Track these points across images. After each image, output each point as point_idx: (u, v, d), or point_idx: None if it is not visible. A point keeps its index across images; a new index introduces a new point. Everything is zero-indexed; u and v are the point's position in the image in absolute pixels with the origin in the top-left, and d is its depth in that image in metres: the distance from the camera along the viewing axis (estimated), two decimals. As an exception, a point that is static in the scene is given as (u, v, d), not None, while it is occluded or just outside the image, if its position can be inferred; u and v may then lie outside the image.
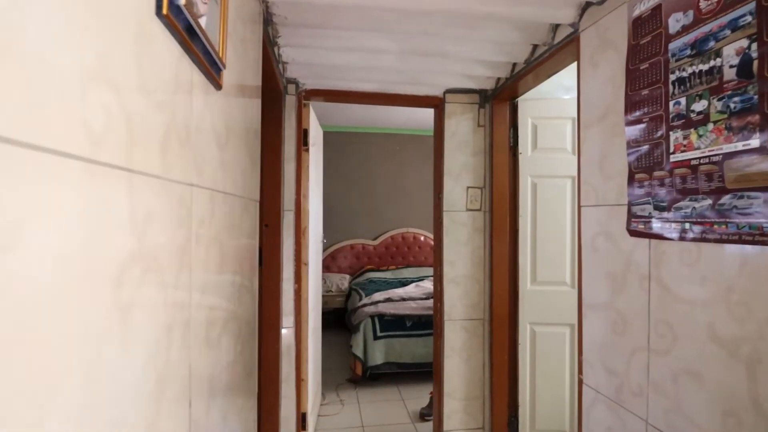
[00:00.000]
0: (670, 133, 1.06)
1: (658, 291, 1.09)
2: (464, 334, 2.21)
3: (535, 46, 1.71)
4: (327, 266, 5.15)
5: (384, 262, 5.29)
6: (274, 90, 2.00)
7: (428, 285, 4.43)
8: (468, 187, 2.23)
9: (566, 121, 2.18)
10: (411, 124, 5.08)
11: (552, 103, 2.19)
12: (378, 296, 3.80)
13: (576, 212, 2.21)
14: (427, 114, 4.57)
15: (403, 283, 4.73)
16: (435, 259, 2.29)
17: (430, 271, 5.08)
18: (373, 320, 3.30)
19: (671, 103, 1.06)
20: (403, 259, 5.33)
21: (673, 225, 1.04)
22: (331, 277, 4.81)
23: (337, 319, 4.96)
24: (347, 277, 4.95)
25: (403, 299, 3.71)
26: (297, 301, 2.09)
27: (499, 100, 2.19)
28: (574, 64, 2.16)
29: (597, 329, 1.32)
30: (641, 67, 1.15)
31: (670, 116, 1.06)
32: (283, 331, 2.06)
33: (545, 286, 2.16)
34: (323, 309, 4.94)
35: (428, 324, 3.32)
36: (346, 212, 5.23)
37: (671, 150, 1.06)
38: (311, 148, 2.42)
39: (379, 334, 3.26)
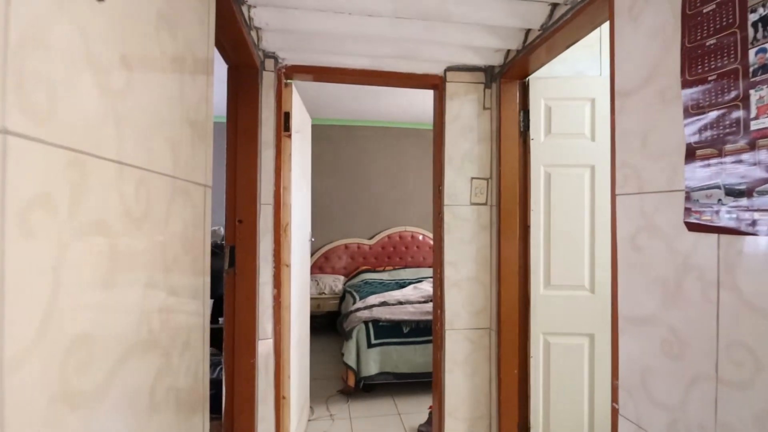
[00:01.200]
0: (751, 92, 0.79)
1: (731, 303, 0.82)
2: (468, 345, 1.94)
3: (554, 7, 1.44)
4: (320, 267, 4.88)
5: (380, 263, 5.02)
6: (247, 64, 1.73)
7: (427, 287, 4.16)
8: (472, 178, 1.96)
9: (584, 103, 1.92)
10: (408, 117, 4.81)
11: (568, 82, 1.92)
12: (373, 299, 3.53)
13: (595, 206, 1.95)
14: (425, 106, 4.28)
15: (401, 284, 4.46)
16: (435, 260, 2.02)
17: (429, 272, 4.82)
18: (367, 326, 3.03)
19: (752, 52, 0.79)
20: (401, 260, 5.07)
21: (756, 215, 0.77)
22: (324, 279, 4.54)
23: (331, 323, 4.69)
24: (341, 278, 4.68)
25: (400, 303, 3.44)
26: (277, 309, 1.82)
27: (508, 79, 1.92)
28: (595, 35, 1.91)
29: (639, 349, 1.05)
30: (705, 10, 0.88)
31: (751, 69, 0.79)
32: (260, 343, 1.79)
33: (560, 290, 1.89)
34: (315, 312, 4.67)
35: (427, 330, 3.05)
36: (340, 210, 4.96)
37: (752, 115, 0.79)
38: (294, 135, 2.15)
39: (373, 341, 2.98)
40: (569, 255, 1.88)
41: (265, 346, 1.80)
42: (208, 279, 1.00)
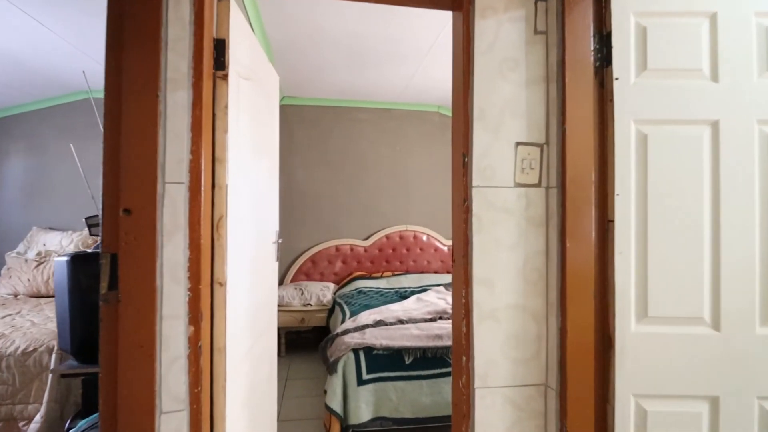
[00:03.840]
0: None
1: None
2: (511, 412, 1.21)
3: None
4: (306, 273, 4.14)
5: (377, 268, 4.28)
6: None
7: (433, 298, 3.42)
8: (518, 144, 1.22)
9: (700, 21, 1.18)
10: (409, 96, 4.07)
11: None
12: (366, 317, 2.79)
13: (720, 188, 1.19)
14: (431, 82, 3.50)
15: (401, 294, 3.72)
16: (455, 275, 1.28)
17: (434, 278, 4.08)
18: (357, 356, 2.29)
19: None
20: (401, 264, 4.33)
21: None
22: (311, 287, 3.80)
23: (317, 340, 3.96)
24: (331, 286, 3.94)
25: (401, 321, 2.70)
26: (193, 359, 1.08)
27: (576, -17, 1.19)
28: None
29: None
30: None
31: None
32: (164, 420, 1.05)
33: (663, 325, 1.16)
34: (299, 328, 3.92)
35: (437, 360, 2.32)
36: (330, 205, 4.22)
37: None
38: (241, 81, 1.42)
39: (365, 376, 2.25)
40: (678, 269, 1.15)
41: (173, 425, 1.06)
42: None
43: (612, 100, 1.18)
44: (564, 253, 1.17)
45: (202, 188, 1.10)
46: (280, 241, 1.96)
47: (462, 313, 1.22)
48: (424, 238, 4.38)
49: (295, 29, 2.72)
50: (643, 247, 1.15)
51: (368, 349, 2.31)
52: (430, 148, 4.41)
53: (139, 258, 1.03)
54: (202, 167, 1.10)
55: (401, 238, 4.34)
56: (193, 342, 1.08)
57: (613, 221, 1.17)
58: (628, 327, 1.15)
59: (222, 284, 1.22)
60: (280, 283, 4.09)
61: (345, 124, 4.26)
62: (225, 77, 1.24)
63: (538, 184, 1.23)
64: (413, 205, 4.38)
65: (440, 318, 2.81)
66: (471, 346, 1.20)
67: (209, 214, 1.18)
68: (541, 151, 1.23)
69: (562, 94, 1.19)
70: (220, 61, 1.23)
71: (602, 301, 1.20)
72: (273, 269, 1.92)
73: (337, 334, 2.53)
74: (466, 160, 1.21)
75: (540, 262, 1.23)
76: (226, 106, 1.24)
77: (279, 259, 2.03)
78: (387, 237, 4.32)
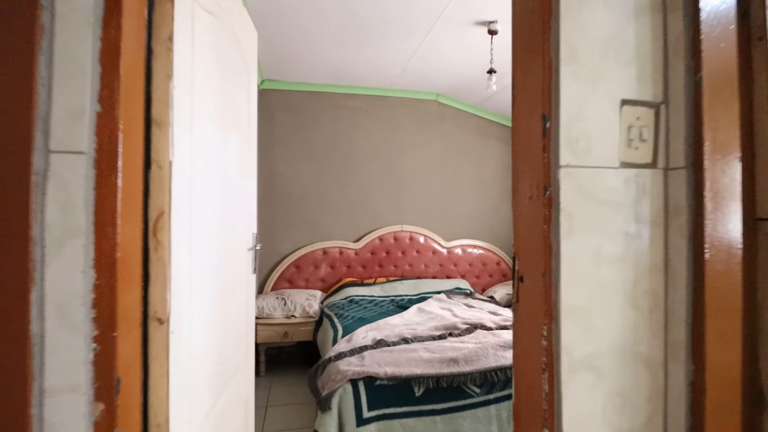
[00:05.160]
0: None
1: None
2: None
3: None
4: (289, 280, 3.66)
5: (370, 273, 3.84)
6: None
7: (437, 309, 3.01)
8: (624, 102, 0.80)
9: None
10: (406, 81, 3.65)
11: None
12: (362, 335, 2.35)
13: None
14: (430, 66, 3.15)
15: (399, 304, 3.29)
16: (524, 302, 0.85)
17: (433, 284, 3.67)
18: (356, 388, 1.85)
19: None
20: (396, 269, 3.90)
21: None
22: (294, 297, 3.33)
23: (304, 356, 3.52)
24: (318, 294, 3.48)
25: (405, 340, 2.27)
26: (104, 460, 0.62)
27: None
28: None
29: None
30: None
31: None
32: None
33: None
34: (282, 343, 3.46)
35: (453, 390, 1.89)
36: (317, 204, 3.76)
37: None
38: (201, 13, 0.96)
39: (366, 414, 1.80)
40: None
41: None
42: None
43: (764, 38, 0.78)
44: (701, 269, 0.76)
45: (120, 163, 0.64)
46: (258, 248, 1.50)
47: (541, 362, 0.79)
48: (422, 239, 3.96)
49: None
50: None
51: (369, 380, 1.87)
52: (428, 140, 4.00)
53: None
54: (120, 128, 0.64)
55: (396, 239, 3.91)
56: (104, 430, 0.62)
57: (766, 220, 0.77)
58: (797, 381, 0.75)
59: (162, 321, 0.77)
60: (260, 291, 3.60)
61: (334, 112, 3.80)
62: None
63: (653, 164, 0.82)
64: (409, 203, 3.96)
65: (450, 335, 2.39)
66: (557, 414, 0.77)
67: (139, 208, 0.72)
68: (656, 114, 0.82)
69: (694, 28, 0.78)
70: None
71: (750, 341, 0.79)
72: (248, 284, 1.46)
73: (330, 359, 2.08)
74: (548, 125, 0.79)
75: (657, 283, 0.81)
76: (171, 38, 0.78)
77: (257, 269, 1.57)
78: (380, 238, 3.88)
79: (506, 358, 2.01)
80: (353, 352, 2.10)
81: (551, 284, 0.78)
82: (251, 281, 1.50)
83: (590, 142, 0.79)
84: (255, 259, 1.46)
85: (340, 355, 2.08)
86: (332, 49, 3.02)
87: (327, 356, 2.14)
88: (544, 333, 0.79)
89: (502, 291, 3.76)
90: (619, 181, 0.80)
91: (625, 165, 0.81)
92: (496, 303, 3.51)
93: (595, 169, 0.78)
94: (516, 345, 0.89)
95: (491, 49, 2.57)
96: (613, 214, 0.80)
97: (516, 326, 0.89)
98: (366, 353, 2.08)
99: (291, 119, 3.71)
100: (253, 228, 1.48)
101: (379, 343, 2.19)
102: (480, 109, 4.11)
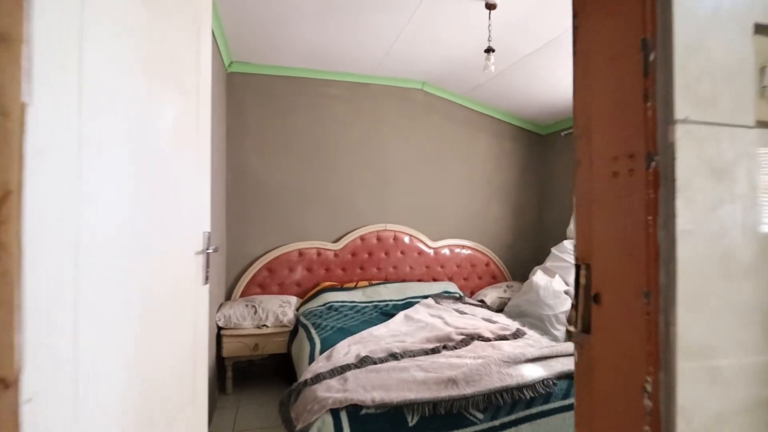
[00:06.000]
0: None
1: None
2: None
3: None
4: (260, 284, 3.30)
5: (350, 276, 3.52)
6: None
7: (426, 316, 2.72)
8: (758, 28, 0.52)
9: None
10: (390, 67, 3.34)
11: None
12: (343, 350, 2.04)
13: None
14: (416, 50, 2.94)
15: (384, 311, 2.99)
16: (607, 331, 0.56)
17: (418, 288, 3.38)
18: (338, 419, 1.53)
19: None
20: (379, 271, 3.59)
21: None
22: (266, 304, 2.97)
23: (275, 371, 3.17)
24: (293, 300, 3.14)
25: (394, 356, 1.96)
26: None
27: None
28: None
29: None
30: None
31: None
32: None
33: None
34: (252, 357, 3.08)
35: (452, 418, 1.60)
36: (292, 201, 3.41)
37: None
38: None
39: (350, 451, 1.49)
40: None
41: None
42: None
43: None
44: None
45: None
46: (212, 250, 1.16)
47: (644, 429, 0.50)
48: (406, 239, 3.67)
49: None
50: None
51: (354, 408, 1.56)
52: (413, 132, 3.71)
53: None
54: None
55: (379, 239, 3.61)
56: None
57: None
58: None
59: (8, 384, 0.43)
60: (227, 298, 3.23)
61: (311, 99, 3.46)
62: None
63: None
64: (393, 201, 3.67)
65: (444, 347, 2.10)
66: None
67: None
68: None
69: None
70: None
71: None
72: (200, 299, 1.12)
73: (306, 383, 1.75)
74: (651, 56, 0.50)
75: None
76: None
77: (210, 278, 1.23)
78: (362, 238, 3.56)
79: (511, 376, 1.74)
80: (334, 372, 1.78)
81: (659, 310, 0.49)
82: (203, 294, 1.16)
83: (715, 87, 0.50)
84: (206, 266, 1.12)
85: (318, 377, 1.75)
86: (309, 27, 2.68)
87: (302, 378, 1.80)
88: (648, 388, 0.50)
89: (493, 294, 3.52)
90: (755, 147, 0.52)
91: (762, 124, 0.53)
92: (488, 308, 3.25)
93: (724, 128, 0.50)
94: (581, 401, 0.60)
95: (489, 25, 2.30)
96: (741, 200, 0.52)
97: (583, 373, 0.59)
98: (349, 374, 1.76)
99: (263, 107, 3.35)
100: (205, 225, 1.15)
101: (363, 361, 1.88)
102: (469, 100, 3.86)
